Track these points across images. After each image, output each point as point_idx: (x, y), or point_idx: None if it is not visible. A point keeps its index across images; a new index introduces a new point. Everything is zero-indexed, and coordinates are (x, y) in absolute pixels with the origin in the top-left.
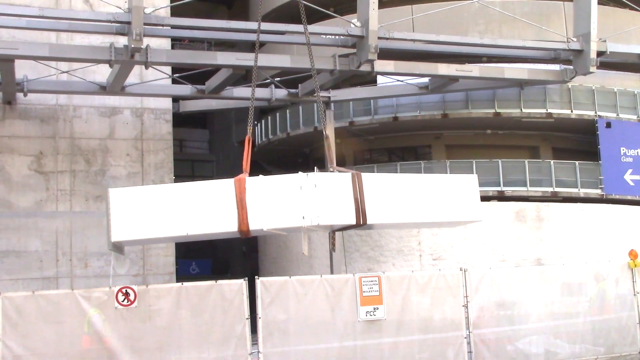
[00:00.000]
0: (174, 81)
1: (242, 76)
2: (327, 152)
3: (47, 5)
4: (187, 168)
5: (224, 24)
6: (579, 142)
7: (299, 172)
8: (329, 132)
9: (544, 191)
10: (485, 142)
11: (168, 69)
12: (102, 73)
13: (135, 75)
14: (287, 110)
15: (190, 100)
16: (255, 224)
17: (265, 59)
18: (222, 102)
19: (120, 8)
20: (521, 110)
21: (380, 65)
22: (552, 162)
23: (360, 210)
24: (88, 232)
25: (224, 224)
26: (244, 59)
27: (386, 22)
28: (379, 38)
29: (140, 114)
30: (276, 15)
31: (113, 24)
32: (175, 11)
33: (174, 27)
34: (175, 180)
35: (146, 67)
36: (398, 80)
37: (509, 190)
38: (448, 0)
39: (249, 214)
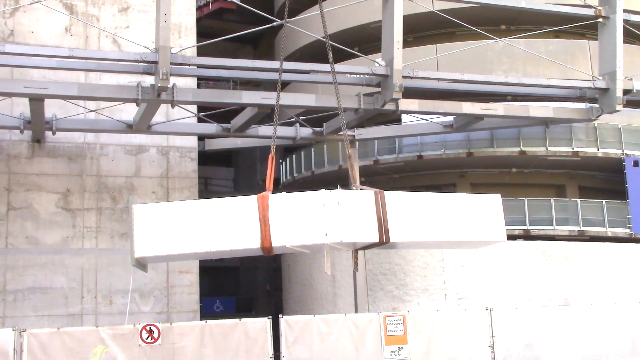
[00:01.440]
0: (200, 120)
1: (267, 115)
2: (350, 171)
3: (77, 46)
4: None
5: (249, 63)
6: (606, 180)
7: (322, 189)
8: (352, 152)
9: (571, 230)
10: (510, 181)
11: (194, 108)
12: (129, 112)
13: (162, 113)
14: (312, 149)
15: (216, 139)
16: (278, 241)
17: (290, 98)
18: (247, 141)
19: (147, 48)
20: (547, 148)
21: (405, 104)
22: (578, 200)
23: (383, 228)
24: (113, 269)
25: (246, 241)
26: (269, 97)
27: (410, 61)
28: (404, 77)
29: (166, 152)
30: (301, 55)
31: (140, 63)
32: (202, 51)
33: (200, 66)
34: None
35: (172, 106)
36: (422, 119)
37: (535, 229)
38: (472, 39)
39: (272, 231)
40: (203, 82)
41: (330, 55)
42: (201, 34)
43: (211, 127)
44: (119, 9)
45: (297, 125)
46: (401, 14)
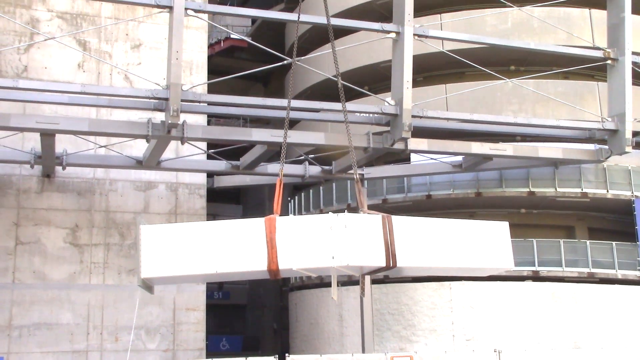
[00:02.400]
0: (209, 157)
1: (277, 152)
2: (358, 196)
3: (89, 82)
4: None
5: (259, 101)
6: (615, 222)
7: (329, 213)
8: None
9: (580, 272)
10: (519, 222)
11: (203, 145)
12: (138, 147)
13: (171, 150)
14: (321, 187)
15: (225, 176)
16: (285, 264)
17: (300, 136)
18: (256, 178)
19: (158, 85)
20: (556, 189)
21: (414, 143)
22: (588, 242)
23: (390, 253)
24: (119, 305)
25: (253, 263)
26: (278, 135)
27: (420, 100)
28: (413, 116)
29: (175, 188)
30: (311, 93)
31: (151, 100)
32: (212, 88)
33: (210, 103)
34: None
35: (182, 143)
36: (432, 159)
37: (544, 270)
38: (482, 79)
39: (279, 253)
40: (213, 119)
41: (342, 93)
42: (212, 71)
43: (220, 164)
44: (132, 46)
45: (306, 163)
46: (411, 53)
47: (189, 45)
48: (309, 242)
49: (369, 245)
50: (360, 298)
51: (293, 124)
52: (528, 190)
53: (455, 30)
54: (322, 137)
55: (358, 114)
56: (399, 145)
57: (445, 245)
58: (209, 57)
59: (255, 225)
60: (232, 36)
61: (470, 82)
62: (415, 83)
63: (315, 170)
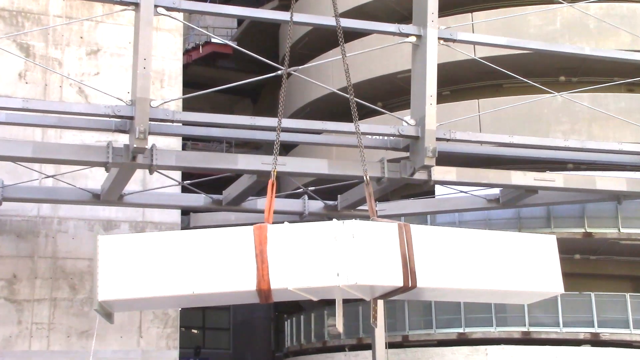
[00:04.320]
0: (185, 189)
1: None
2: (368, 201)
3: (33, 96)
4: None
5: (247, 120)
6: None
7: (334, 220)
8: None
9: None
10: (573, 270)
11: (177, 175)
12: (95, 178)
13: (137, 181)
14: None
15: (204, 213)
16: (278, 283)
17: (297, 164)
18: (242, 216)
19: (121, 100)
20: (619, 230)
21: (439, 172)
22: None
23: (409, 270)
24: None
25: (239, 282)
26: (271, 163)
27: (447, 119)
28: (438, 139)
29: (141, 228)
30: (311, 111)
31: (112, 118)
32: (189, 104)
33: (186, 123)
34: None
35: (150, 172)
36: (461, 192)
37: (605, 332)
38: (524, 93)
39: (271, 269)
40: (189, 143)
41: (355, 111)
42: (189, 83)
43: (198, 199)
44: (87, 52)
45: (306, 197)
46: (435, 62)
47: (160, 51)
48: (308, 255)
49: (382, 260)
50: None
51: (290, 148)
52: (584, 231)
53: (490, 33)
54: (324, 165)
55: (370, 137)
56: (420, 175)
57: (477, 262)
58: (185, 66)
59: (242, 236)
60: (213, 40)
61: (510, 96)
62: (441, 98)
63: (316, 205)
